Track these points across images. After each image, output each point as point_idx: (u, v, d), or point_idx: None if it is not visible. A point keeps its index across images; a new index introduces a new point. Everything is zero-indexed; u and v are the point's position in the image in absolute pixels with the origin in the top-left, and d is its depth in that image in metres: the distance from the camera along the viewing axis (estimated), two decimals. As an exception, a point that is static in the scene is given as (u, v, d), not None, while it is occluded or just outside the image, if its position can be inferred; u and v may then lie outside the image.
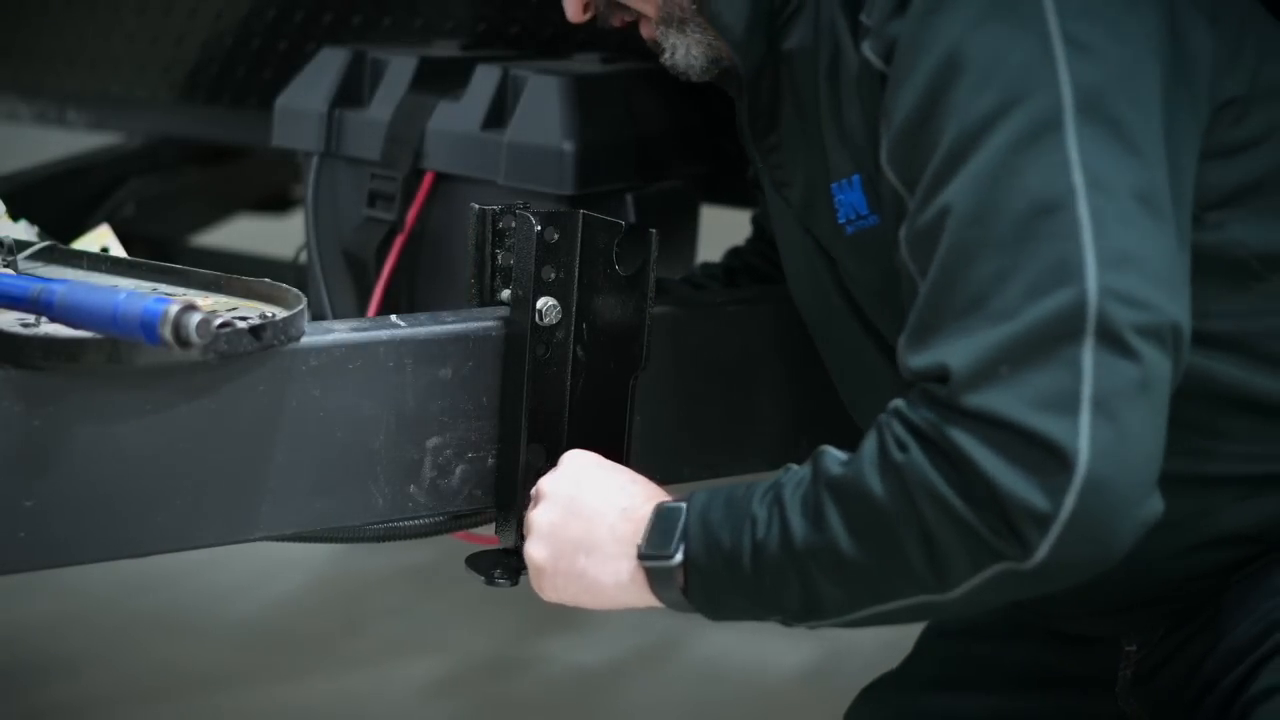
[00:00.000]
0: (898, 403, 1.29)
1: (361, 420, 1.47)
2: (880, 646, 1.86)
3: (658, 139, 1.91)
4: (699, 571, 1.37)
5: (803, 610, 1.34)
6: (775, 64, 1.54)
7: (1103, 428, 1.20)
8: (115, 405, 1.35)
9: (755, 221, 1.94)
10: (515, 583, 1.55)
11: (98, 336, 1.31)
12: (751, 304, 1.75)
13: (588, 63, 1.97)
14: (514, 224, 1.55)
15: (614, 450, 1.54)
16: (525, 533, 1.46)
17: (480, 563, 1.58)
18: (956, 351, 1.24)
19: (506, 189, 1.82)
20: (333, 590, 3.10)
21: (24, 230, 1.81)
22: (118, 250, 1.80)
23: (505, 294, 1.57)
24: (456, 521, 1.60)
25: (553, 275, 1.51)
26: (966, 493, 1.22)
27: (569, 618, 2.88)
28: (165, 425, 1.37)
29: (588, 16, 1.62)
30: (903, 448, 1.26)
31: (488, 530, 1.63)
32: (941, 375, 1.24)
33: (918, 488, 1.25)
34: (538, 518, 1.45)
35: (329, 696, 2.73)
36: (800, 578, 1.32)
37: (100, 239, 1.82)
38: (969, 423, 1.23)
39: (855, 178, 1.48)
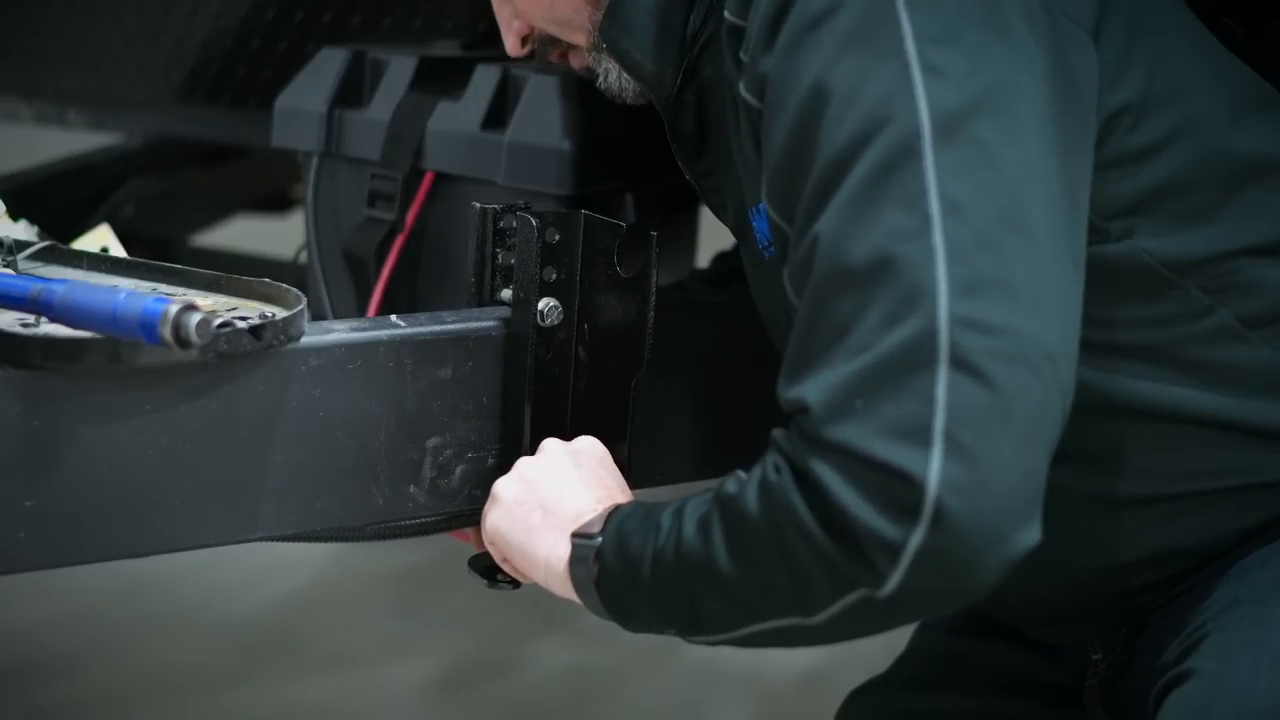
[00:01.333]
0: (776, 431, 1.29)
1: (361, 420, 1.47)
2: (880, 648, 1.85)
3: (658, 139, 1.91)
4: (606, 573, 1.37)
5: (691, 623, 1.34)
6: (697, 92, 1.56)
7: (954, 459, 1.17)
8: (115, 405, 1.35)
9: None
10: (518, 585, 1.55)
11: (98, 336, 1.31)
12: (752, 304, 1.75)
13: (588, 63, 1.96)
14: (515, 223, 1.55)
15: (616, 451, 1.53)
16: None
17: (483, 564, 1.57)
18: (815, 386, 1.23)
19: (506, 189, 1.82)
20: (333, 590, 3.10)
21: (24, 230, 1.81)
22: (118, 250, 1.80)
23: (505, 293, 1.57)
24: (454, 520, 1.60)
25: (554, 276, 1.51)
26: (824, 520, 1.21)
27: (569, 618, 2.88)
28: (165, 425, 1.37)
29: (526, 51, 1.65)
30: (777, 471, 1.26)
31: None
32: (803, 408, 1.24)
33: (782, 512, 1.24)
34: (527, 463, 1.47)
35: (329, 696, 2.72)
36: (687, 590, 1.32)
37: (100, 239, 1.82)
38: (826, 454, 1.21)
39: (761, 205, 1.48)
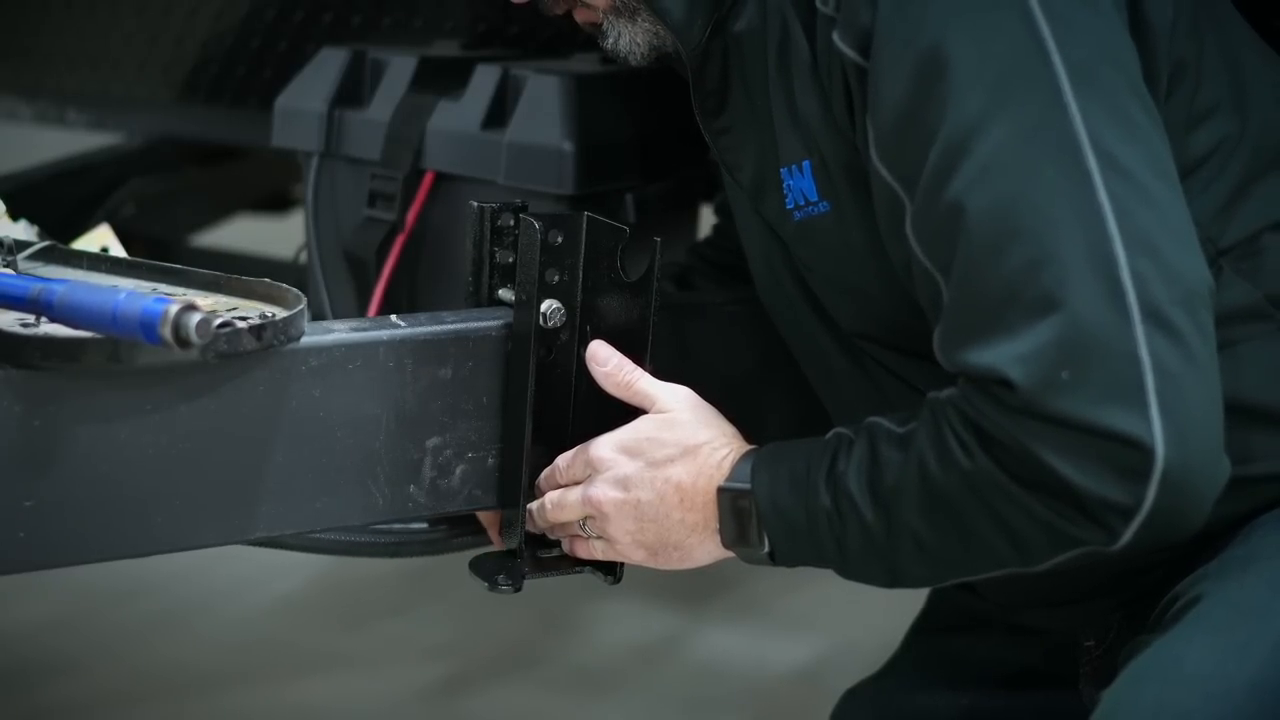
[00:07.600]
0: (953, 394, 1.30)
1: (361, 420, 1.47)
2: (879, 646, 1.85)
3: (658, 139, 1.91)
4: (785, 556, 1.42)
5: (891, 582, 1.38)
6: (724, 46, 1.54)
7: (1170, 413, 1.22)
8: (115, 405, 1.35)
9: (718, 210, 1.94)
10: (519, 588, 1.55)
11: (98, 336, 1.31)
12: (753, 304, 1.75)
13: (588, 63, 1.96)
14: (513, 222, 1.54)
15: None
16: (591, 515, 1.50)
17: (483, 567, 1.57)
18: (1008, 357, 1.24)
19: (506, 189, 1.82)
20: (333, 590, 3.10)
21: (24, 230, 1.81)
22: (118, 250, 1.80)
23: (503, 292, 1.56)
24: (461, 541, 1.60)
25: (556, 278, 1.51)
26: (1047, 494, 1.25)
27: (569, 618, 2.88)
28: (165, 425, 1.37)
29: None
30: (966, 450, 1.28)
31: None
32: (1002, 382, 1.25)
33: (993, 492, 1.27)
34: (615, 527, 1.49)
35: (329, 696, 2.72)
36: (884, 564, 1.36)
37: (100, 239, 1.82)
38: (1042, 429, 1.23)
39: (805, 164, 1.47)
